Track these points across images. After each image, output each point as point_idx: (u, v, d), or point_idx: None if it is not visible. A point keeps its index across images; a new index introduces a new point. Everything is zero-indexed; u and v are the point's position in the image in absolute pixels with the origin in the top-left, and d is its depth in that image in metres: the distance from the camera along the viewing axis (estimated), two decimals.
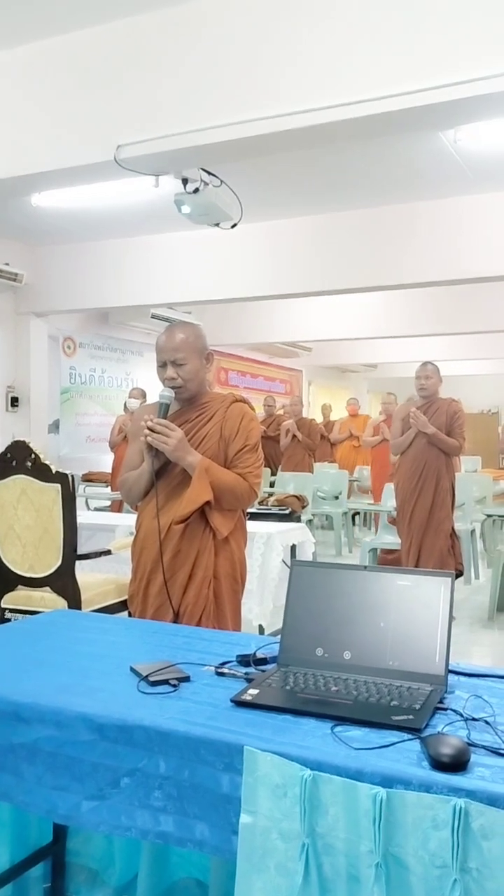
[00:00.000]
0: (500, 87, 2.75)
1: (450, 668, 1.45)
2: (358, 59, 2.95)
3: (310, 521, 7.26)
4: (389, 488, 6.00)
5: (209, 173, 4.13)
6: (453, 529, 5.10)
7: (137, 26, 3.35)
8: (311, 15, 3.02)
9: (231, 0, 3.15)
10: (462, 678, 1.48)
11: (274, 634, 1.58)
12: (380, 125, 3.08)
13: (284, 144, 3.29)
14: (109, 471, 7.95)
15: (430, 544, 4.97)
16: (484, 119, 3.35)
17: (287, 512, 5.85)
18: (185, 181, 4.07)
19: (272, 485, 7.98)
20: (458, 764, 1.09)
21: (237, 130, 3.16)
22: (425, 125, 3.32)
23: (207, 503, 2.24)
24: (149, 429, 2.23)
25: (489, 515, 5.69)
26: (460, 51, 2.79)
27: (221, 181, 4.22)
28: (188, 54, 3.26)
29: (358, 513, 9.03)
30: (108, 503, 7.52)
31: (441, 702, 1.35)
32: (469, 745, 1.14)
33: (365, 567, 1.57)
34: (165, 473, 2.31)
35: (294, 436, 8.75)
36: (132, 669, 1.51)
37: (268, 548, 4.08)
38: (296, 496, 6.39)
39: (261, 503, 6.19)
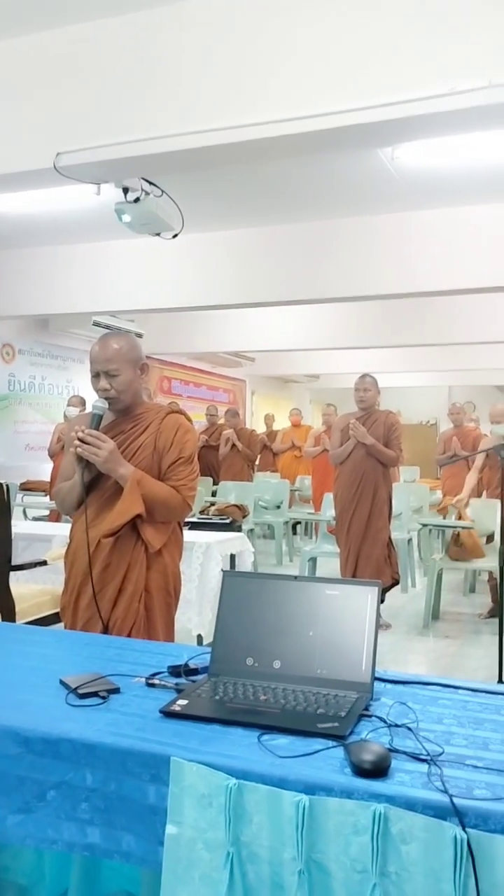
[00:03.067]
0: (436, 108, 2.82)
1: (376, 675, 1.48)
2: (297, 76, 2.99)
3: (251, 531, 7.29)
4: (329, 498, 6.07)
5: (150, 183, 4.14)
6: (390, 539, 5.19)
7: (77, 35, 3.33)
8: (251, 32, 3.06)
9: (173, 15, 3.17)
10: (388, 685, 1.52)
11: (212, 644, 1.59)
12: (317, 142, 3.13)
13: (224, 158, 3.32)
14: (48, 479, 7.84)
15: (367, 553, 5.05)
16: (420, 138, 3.44)
17: (228, 521, 5.87)
18: (125, 190, 4.06)
19: (214, 494, 7.99)
20: (378, 770, 1.12)
21: (177, 142, 3.17)
22: (363, 143, 3.39)
23: (139, 516, 2.22)
24: (79, 440, 2.21)
25: (425, 525, 5.80)
26: (398, 72, 2.86)
27: (162, 191, 4.23)
28: (129, 64, 3.26)
29: (299, 522, 9.10)
30: (46, 512, 7.41)
31: (367, 709, 1.38)
32: (391, 751, 1.17)
33: (295, 577, 1.59)
34: (98, 485, 2.30)
35: (234, 445, 8.79)
36: (61, 682, 1.50)
37: (206, 557, 4.09)
38: (237, 506, 6.42)
39: (201, 512, 6.20)
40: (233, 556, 4.37)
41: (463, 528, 5.45)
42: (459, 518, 5.53)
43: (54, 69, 3.40)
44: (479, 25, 2.74)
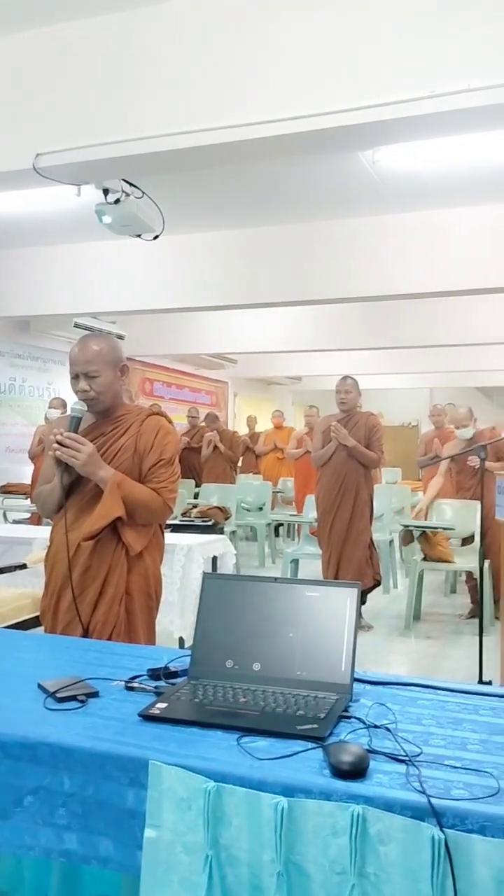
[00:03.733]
0: (415, 111, 2.84)
1: (356, 676, 1.48)
2: (277, 79, 3.00)
3: (233, 533, 7.29)
4: (311, 500, 6.08)
5: (131, 184, 4.12)
6: (371, 540, 5.20)
7: (56, 35, 3.32)
8: (233, 33, 3.06)
9: (153, 16, 3.17)
10: (367, 686, 1.52)
11: (192, 647, 1.59)
12: (297, 144, 3.13)
13: (204, 159, 3.32)
14: (29, 482, 7.79)
15: (348, 555, 5.06)
16: (400, 141, 3.47)
17: (210, 523, 5.86)
18: (105, 192, 4.05)
19: (196, 496, 7.98)
20: (357, 771, 1.12)
21: (157, 143, 3.16)
22: (343, 146, 3.41)
23: (119, 519, 2.21)
24: (58, 443, 2.19)
25: (406, 526, 5.83)
26: (378, 75, 2.87)
27: (143, 193, 4.22)
28: (109, 65, 3.25)
29: (282, 524, 9.11)
30: (27, 515, 7.37)
31: (346, 710, 1.38)
32: (369, 752, 1.17)
33: (275, 579, 1.59)
34: (78, 488, 2.28)
35: (216, 447, 8.78)
36: (40, 686, 1.49)
37: (188, 560, 4.08)
38: (219, 508, 6.42)
39: (184, 515, 6.19)
40: (215, 559, 4.36)
41: (443, 528, 5.48)
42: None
43: (34, 70, 3.39)
44: (457, 30, 2.76)
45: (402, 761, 1.16)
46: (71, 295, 6.59)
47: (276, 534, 8.94)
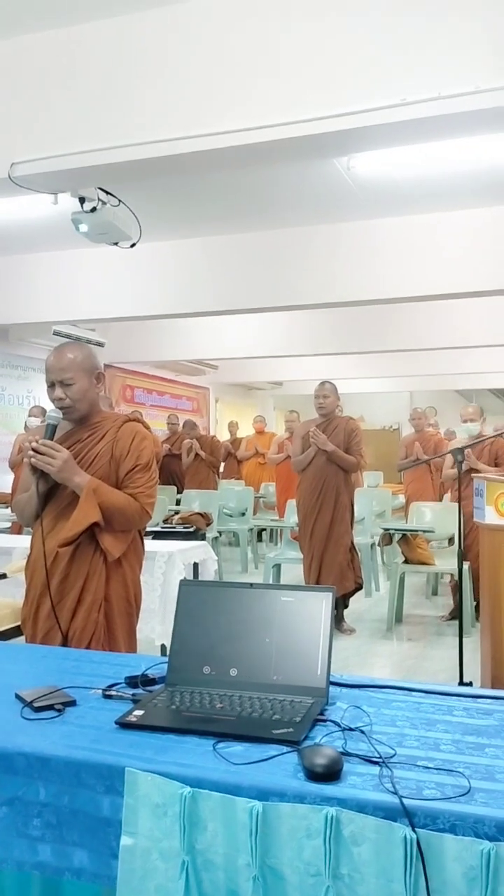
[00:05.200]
0: (389, 118, 2.87)
1: (332, 679, 1.49)
2: (251, 87, 3.02)
3: (216, 539, 7.29)
4: (292, 504, 6.10)
5: (107, 192, 4.13)
6: (352, 544, 5.22)
7: (31, 44, 3.32)
8: (207, 42, 3.08)
9: (131, 26, 3.18)
10: (343, 689, 1.53)
11: (169, 654, 1.59)
12: (273, 151, 3.16)
13: (178, 168, 3.33)
14: (9, 491, 7.74)
15: (330, 559, 5.08)
16: (372, 148, 3.49)
17: (192, 530, 5.86)
18: (81, 200, 4.05)
19: (177, 502, 7.97)
20: (331, 774, 1.13)
21: (132, 152, 3.17)
22: (316, 153, 3.43)
23: (97, 525, 2.22)
24: (33, 450, 2.20)
25: (387, 530, 5.86)
26: (349, 83, 2.90)
27: (119, 201, 4.23)
28: (84, 74, 3.26)
29: (264, 529, 9.12)
30: (7, 524, 7.31)
31: (321, 713, 1.39)
32: (343, 754, 1.18)
33: (251, 585, 1.60)
34: (55, 495, 2.29)
35: (196, 454, 8.78)
36: (17, 696, 1.48)
37: (169, 566, 4.08)
38: (200, 514, 6.42)
39: (165, 521, 6.18)
40: (196, 565, 4.36)
41: (423, 531, 5.51)
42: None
43: (8, 79, 3.39)
44: (429, 39, 2.80)
45: (376, 763, 1.18)
46: (50, 303, 6.57)
47: (259, 539, 8.95)
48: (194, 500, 7.67)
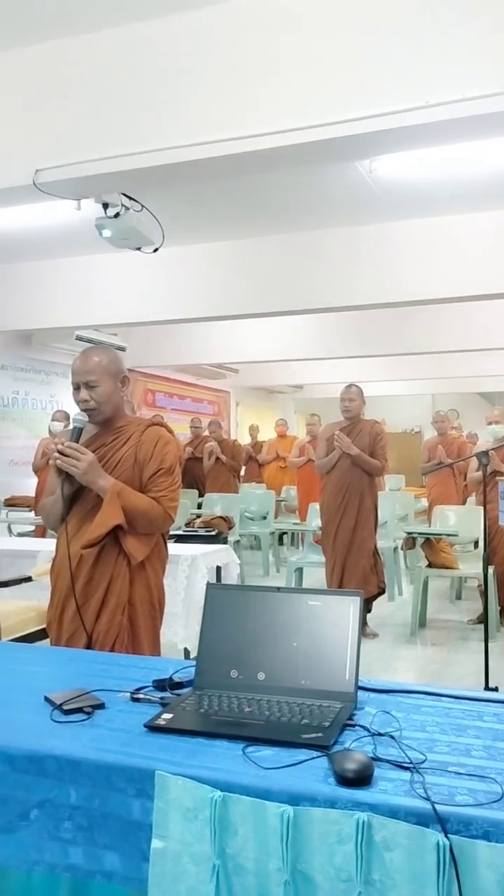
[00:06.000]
0: (410, 121, 2.86)
1: (360, 684, 1.49)
2: (274, 91, 3.03)
3: (237, 542, 7.30)
4: (315, 508, 6.09)
5: (130, 198, 4.16)
6: (376, 548, 5.20)
7: (55, 51, 3.36)
8: (226, 47, 3.09)
9: (150, 31, 3.20)
10: (371, 694, 1.53)
11: (196, 657, 1.60)
12: (296, 155, 3.16)
13: (202, 173, 3.34)
14: (33, 495, 7.81)
15: (353, 563, 5.06)
16: (396, 151, 3.48)
17: (214, 533, 5.86)
18: (105, 206, 4.08)
19: (199, 506, 7.98)
20: (361, 779, 1.12)
21: (156, 158, 3.19)
22: (339, 156, 3.43)
23: (120, 528, 2.23)
24: (59, 452, 2.22)
25: (410, 533, 5.83)
26: (373, 86, 2.89)
27: (143, 206, 4.25)
28: (108, 80, 3.29)
29: (285, 533, 9.11)
30: (31, 528, 7.38)
31: (350, 718, 1.38)
32: (374, 759, 1.18)
33: (278, 589, 1.60)
34: (80, 498, 2.31)
35: (218, 457, 8.79)
36: (46, 699, 1.49)
37: (192, 570, 4.09)
38: (222, 517, 6.41)
39: (187, 525, 6.19)
40: (219, 569, 4.37)
41: (447, 535, 5.48)
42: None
43: (33, 86, 3.42)
44: (451, 40, 2.79)
45: (407, 768, 1.17)
46: (72, 308, 6.62)
47: (280, 542, 8.94)
48: (216, 504, 7.68)
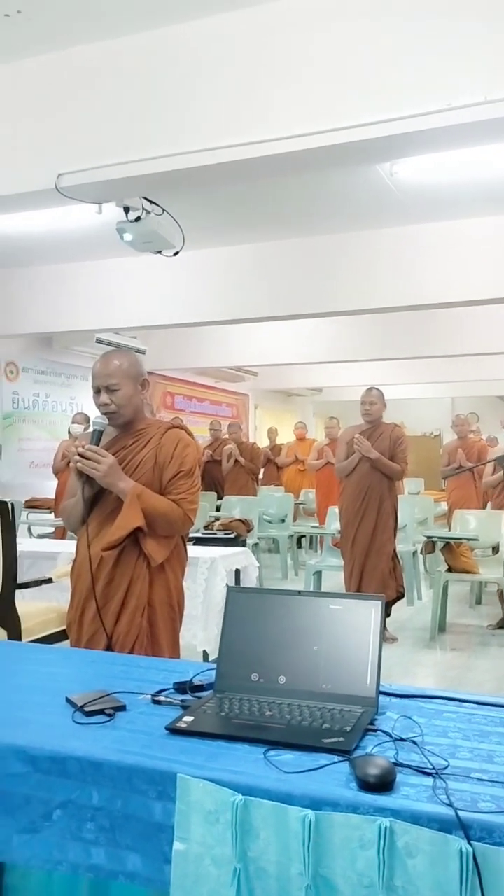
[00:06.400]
0: (432, 124, 2.86)
1: (381, 689, 1.48)
2: (295, 95, 3.03)
3: (256, 545, 7.29)
4: (333, 511, 6.07)
5: (151, 202, 4.18)
6: (395, 552, 5.18)
7: (79, 57, 3.38)
8: (250, 52, 3.10)
9: (171, 37, 3.22)
10: (393, 699, 1.52)
11: (217, 660, 1.60)
12: (317, 158, 3.16)
13: (223, 176, 3.35)
14: (53, 497, 7.85)
15: (372, 567, 5.04)
16: (418, 154, 3.48)
17: (232, 536, 5.87)
18: (126, 209, 4.10)
19: (218, 509, 7.99)
20: (384, 784, 1.12)
21: (177, 161, 3.20)
22: (361, 159, 3.43)
23: (140, 530, 2.24)
24: (79, 455, 2.24)
25: (430, 537, 5.80)
26: (395, 88, 2.89)
27: (163, 210, 4.27)
28: (129, 85, 3.31)
29: (304, 536, 9.09)
30: (51, 530, 7.42)
31: (372, 723, 1.38)
32: (396, 765, 1.17)
33: (299, 592, 1.60)
34: (101, 501, 2.32)
35: (236, 460, 8.80)
36: (68, 700, 1.50)
37: (212, 573, 4.09)
38: (241, 520, 6.42)
39: (206, 528, 6.20)
40: (238, 571, 4.36)
41: (467, 539, 5.44)
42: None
43: (55, 91, 3.45)
44: (475, 42, 2.78)
45: (429, 774, 1.16)
46: (92, 311, 6.66)
47: (299, 546, 8.92)
48: (235, 507, 7.69)
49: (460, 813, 1.04)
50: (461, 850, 1.02)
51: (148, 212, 4.13)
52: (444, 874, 1.03)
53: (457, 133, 2.90)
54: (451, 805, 1.06)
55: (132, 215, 4.13)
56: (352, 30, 2.95)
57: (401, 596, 5.26)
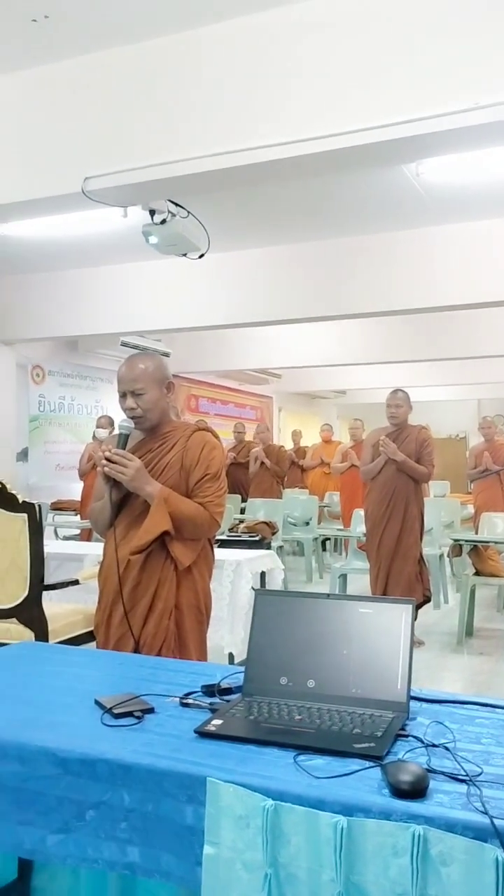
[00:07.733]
0: (459, 123, 2.83)
1: (412, 694, 1.46)
2: (321, 95, 3.02)
3: (280, 548, 7.28)
4: (359, 514, 6.04)
5: (176, 204, 4.18)
6: (421, 555, 5.14)
7: (105, 61, 3.40)
8: (274, 53, 3.10)
9: (197, 39, 3.22)
10: (424, 704, 1.50)
11: (244, 663, 1.59)
12: (341, 160, 3.15)
13: (248, 178, 3.35)
14: (79, 499, 7.90)
15: (398, 570, 5.00)
16: (444, 154, 3.45)
17: (257, 539, 5.86)
18: (152, 212, 4.11)
19: (242, 511, 7.99)
20: (417, 791, 1.10)
21: (202, 164, 3.20)
22: (387, 160, 3.42)
23: (167, 533, 2.24)
24: (106, 459, 2.24)
25: (457, 540, 5.74)
26: (421, 88, 2.87)
27: (189, 212, 4.28)
28: (156, 89, 3.32)
29: (328, 539, 9.06)
30: (77, 532, 7.47)
31: (403, 728, 1.36)
32: (428, 771, 1.16)
33: (328, 595, 1.59)
34: (128, 504, 2.32)
35: (262, 463, 8.79)
36: (96, 702, 1.50)
37: (237, 575, 4.08)
38: (266, 523, 6.41)
39: (231, 530, 6.20)
40: (263, 574, 4.35)
41: (495, 542, 5.38)
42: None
43: (81, 95, 3.47)
44: (501, 40, 2.75)
45: (463, 781, 1.15)
46: (117, 314, 6.69)
47: (324, 548, 8.89)
48: (259, 509, 7.68)
49: (496, 821, 1.02)
50: (497, 860, 1.00)
51: (173, 215, 4.13)
52: (479, 884, 1.01)
53: (485, 132, 2.87)
54: (486, 813, 1.04)
55: (158, 218, 4.14)
56: (380, 30, 2.93)
57: (427, 600, 5.22)
